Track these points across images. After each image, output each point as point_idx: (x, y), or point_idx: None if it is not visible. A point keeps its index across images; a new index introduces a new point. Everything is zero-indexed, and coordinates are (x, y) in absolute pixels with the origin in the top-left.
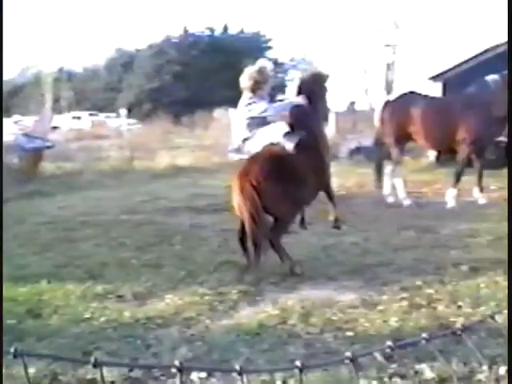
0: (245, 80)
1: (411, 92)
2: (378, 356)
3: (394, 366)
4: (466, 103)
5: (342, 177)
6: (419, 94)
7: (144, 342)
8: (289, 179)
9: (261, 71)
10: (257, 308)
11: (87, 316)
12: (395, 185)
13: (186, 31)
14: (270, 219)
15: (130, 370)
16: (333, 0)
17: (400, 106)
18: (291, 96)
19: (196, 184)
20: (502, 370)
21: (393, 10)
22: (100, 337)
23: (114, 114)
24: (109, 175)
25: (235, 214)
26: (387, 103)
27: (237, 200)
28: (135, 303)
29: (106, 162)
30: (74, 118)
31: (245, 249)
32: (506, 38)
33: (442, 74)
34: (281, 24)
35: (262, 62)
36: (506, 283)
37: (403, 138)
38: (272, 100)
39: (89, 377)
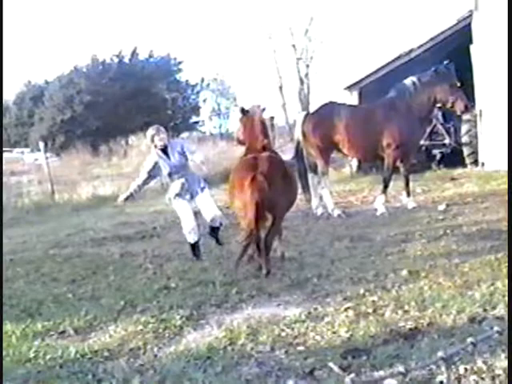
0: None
1: (331, 102)
2: (335, 367)
3: (352, 375)
4: (388, 108)
5: None
6: (339, 104)
7: (95, 377)
8: (287, 181)
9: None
10: (203, 331)
11: (31, 355)
12: (323, 196)
13: (94, 59)
14: None
15: None
16: (243, 17)
17: (322, 117)
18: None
19: (121, 213)
20: (462, 368)
21: (304, 23)
22: (49, 375)
23: (27, 149)
24: (31, 211)
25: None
26: (308, 115)
27: (245, 192)
28: (78, 338)
29: (27, 198)
30: None
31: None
32: (422, 43)
33: (356, 83)
34: (190, 45)
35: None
36: (449, 284)
37: (328, 148)
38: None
39: None
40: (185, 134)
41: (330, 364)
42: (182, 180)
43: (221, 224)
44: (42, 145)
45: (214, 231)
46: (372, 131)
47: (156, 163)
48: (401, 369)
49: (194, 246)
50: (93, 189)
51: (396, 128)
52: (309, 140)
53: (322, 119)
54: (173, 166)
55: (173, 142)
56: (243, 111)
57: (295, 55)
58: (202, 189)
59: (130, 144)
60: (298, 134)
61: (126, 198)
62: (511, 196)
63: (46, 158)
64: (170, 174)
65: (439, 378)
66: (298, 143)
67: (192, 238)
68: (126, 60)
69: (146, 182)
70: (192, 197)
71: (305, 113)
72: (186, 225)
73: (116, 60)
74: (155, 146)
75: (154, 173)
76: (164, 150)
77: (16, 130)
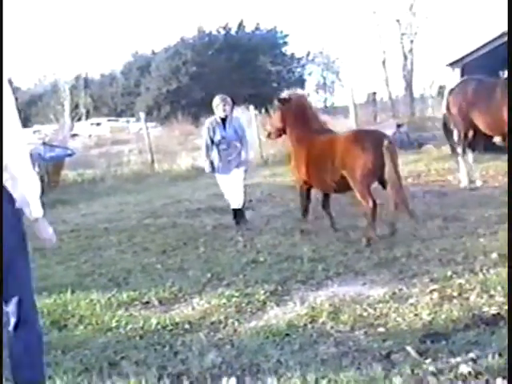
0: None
1: (470, 78)
2: (412, 351)
3: (428, 361)
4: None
5: None
6: (478, 79)
7: (172, 349)
8: None
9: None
10: (285, 308)
11: (113, 325)
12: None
13: (200, 31)
14: None
15: (159, 379)
16: None
17: (459, 93)
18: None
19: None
20: None
21: None
22: (127, 345)
23: (133, 119)
24: (130, 180)
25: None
26: (451, 90)
27: (375, 156)
28: (161, 309)
29: (126, 167)
30: (92, 124)
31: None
32: None
33: (459, 60)
34: (297, 18)
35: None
36: None
37: (466, 124)
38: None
39: None
40: None
41: (408, 348)
42: (227, 152)
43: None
44: (142, 115)
45: (236, 211)
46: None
47: (213, 129)
48: (472, 355)
49: (236, 213)
50: (192, 160)
51: None
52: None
53: (459, 94)
54: (225, 136)
55: (234, 116)
56: (283, 100)
57: (399, 30)
58: (239, 165)
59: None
60: (443, 109)
61: (212, 169)
62: (511, 195)
63: (147, 128)
64: (218, 143)
65: None
66: (444, 117)
67: (233, 205)
68: (233, 32)
69: (211, 149)
70: (229, 170)
71: (450, 88)
72: (227, 195)
73: (222, 32)
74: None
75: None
76: (223, 120)
77: (122, 100)
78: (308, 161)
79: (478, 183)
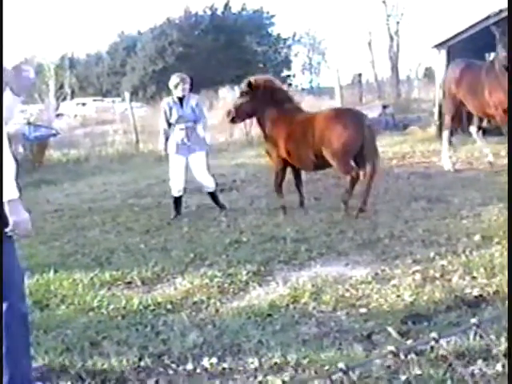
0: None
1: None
2: (393, 332)
3: (409, 342)
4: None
5: None
6: (467, 61)
7: (153, 329)
8: None
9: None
10: (268, 288)
11: (95, 305)
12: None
13: (187, 12)
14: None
15: (140, 359)
16: None
17: (450, 73)
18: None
19: None
20: None
21: None
22: (109, 325)
23: (119, 99)
24: (115, 160)
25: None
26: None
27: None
28: (144, 289)
29: (111, 147)
30: (78, 104)
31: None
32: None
33: (445, 41)
34: None
35: None
36: None
37: (455, 104)
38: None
39: (98, 367)
40: None
41: (389, 329)
42: (184, 132)
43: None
44: (127, 95)
45: (211, 195)
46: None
47: (170, 109)
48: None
49: (177, 201)
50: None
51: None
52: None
53: (450, 75)
54: (182, 115)
55: (191, 94)
56: (252, 84)
57: (385, 11)
58: (199, 148)
59: (219, 96)
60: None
61: (165, 149)
62: (511, 194)
63: (132, 108)
64: (176, 122)
65: (495, 350)
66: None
67: (175, 192)
68: (219, 12)
69: (167, 130)
70: (188, 152)
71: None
72: (173, 179)
73: (209, 12)
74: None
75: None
76: (180, 99)
77: (108, 79)
78: (287, 139)
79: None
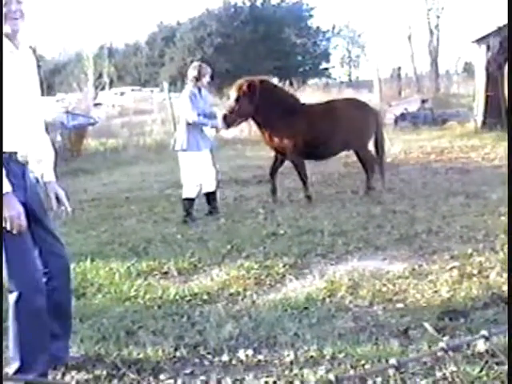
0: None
1: None
2: (430, 328)
3: (445, 338)
4: None
5: (388, 144)
6: None
7: (189, 320)
8: None
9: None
10: (304, 281)
11: (132, 294)
12: None
13: (226, 2)
14: None
15: (175, 349)
16: None
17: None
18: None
19: (240, 156)
20: None
21: None
22: (145, 315)
23: (157, 89)
24: (152, 150)
25: None
26: None
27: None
28: (180, 279)
29: (149, 137)
30: (116, 94)
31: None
32: None
33: (485, 37)
34: None
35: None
36: None
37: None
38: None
39: (133, 357)
40: (313, 80)
41: (426, 324)
42: (201, 128)
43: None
44: (166, 85)
45: (208, 196)
46: None
47: (197, 100)
48: (485, 332)
49: (192, 202)
50: (215, 130)
51: None
52: None
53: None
54: (204, 108)
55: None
56: (251, 85)
57: (426, 5)
58: (209, 144)
59: None
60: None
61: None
62: (511, 194)
63: (170, 98)
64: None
65: None
66: None
67: (193, 193)
68: (258, 4)
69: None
70: (201, 149)
71: None
72: (192, 178)
73: (248, 4)
74: (196, 82)
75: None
76: (199, 91)
77: (147, 70)
78: (309, 131)
79: None
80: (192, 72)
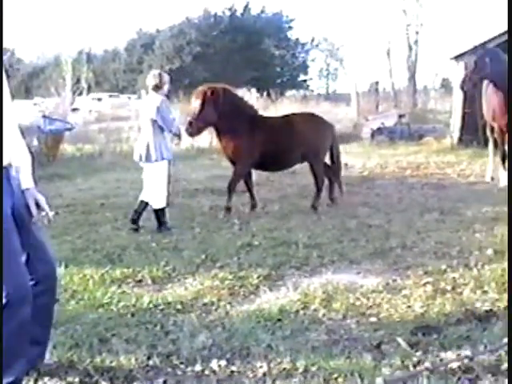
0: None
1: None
2: (403, 343)
3: (418, 353)
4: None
5: (364, 157)
6: None
7: (163, 329)
8: None
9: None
10: (278, 293)
11: (105, 301)
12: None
13: (206, 12)
14: None
15: (148, 358)
16: None
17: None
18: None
19: (216, 165)
20: None
21: None
22: (118, 323)
23: (134, 96)
24: (129, 157)
25: None
26: None
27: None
28: (154, 288)
29: (126, 144)
30: (94, 99)
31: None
32: None
33: (463, 54)
34: (303, 3)
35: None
36: None
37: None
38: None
39: (106, 364)
40: (291, 92)
41: (399, 339)
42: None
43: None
44: (144, 92)
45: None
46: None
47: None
48: (468, 353)
49: (164, 211)
50: (191, 139)
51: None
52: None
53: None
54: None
55: None
56: (214, 92)
57: (405, 21)
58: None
59: None
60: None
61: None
62: (511, 194)
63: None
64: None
65: (506, 365)
66: None
67: (165, 201)
68: (238, 14)
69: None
70: (167, 158)
71: None
72: (164, 188)
73: (228, 13)
74: (157, 90)
75: None
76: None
77: (125, 76)
78: (265, 142)
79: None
80: (153, 80)
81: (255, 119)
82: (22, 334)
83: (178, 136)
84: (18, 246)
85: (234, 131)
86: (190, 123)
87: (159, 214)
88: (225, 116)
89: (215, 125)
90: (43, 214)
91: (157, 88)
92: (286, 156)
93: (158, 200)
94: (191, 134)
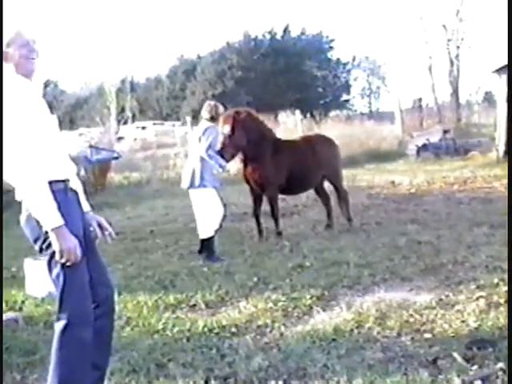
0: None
1: None
2: (458, 358)
3: (474, 367)
4: None
5: (411, 174)
6: None
7: (218, 352)
8: None
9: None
10: (331, 312)
11: (160, 327)
12: None
13: (246, 36)
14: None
15: (206, 382)
16: None
17: None
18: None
19: None
20: None
21: (455, 4)
22: (174, 348)
23: (178, 122)
24: (176, 183)
25: None
26: None
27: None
28: (208, 312)
29: (172, 171)
30: (138, 127)
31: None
32: None
33: (505, 67)
34: (343, 23)
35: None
36: None
37: None
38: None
39: None
40: (335, 112)
41: (454, 354)
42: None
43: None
44: (188, 119)
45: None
46: None
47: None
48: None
49: (213, 240)
50: (240, 163)
51: None
52: None
53: None
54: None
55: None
56: (237, 113)
57: (446, 36)
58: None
59: (278, 120)
60: None
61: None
62: (511, 195)
63: (193, 131)
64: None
65: None
66: None
67: (213, 230)
68: (278, 37)
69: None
70: (216, 185)
71: None
72: (209, 217)
73: (268, 36)
74: (212, 121)
75: None
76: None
77: (168, 103)
78: (291, 166)
79: None
80: (208, 112)
81: (277, 143)
82: (82, 359)
83: (222, 167)
84: (86, 273)
85: (261, 156)
86: (221, 150)
87: (206, 243)
88: (252, 141)
89: (243, 150)
90: (106, 233)
91: (212, 120)
92: (310, 177)
93: (204, 229)
94: (226, 161)
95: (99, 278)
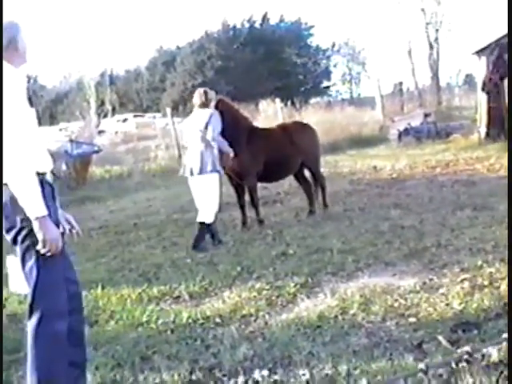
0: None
1: None
2: (443, 341)
3: (460, 350)
4: None
5: (393, 159)
6: None
7: (203, 343)
8: None
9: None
10: (316, 299)
11: (144, 320)
12: None
13: (225, 25)
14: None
15: (191, 373)
16: None
17: None
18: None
19: None
20: None
21: None
22: (158, 340)
23: (159, 114)
24: (158, 175)
25: None
26: None
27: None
28: (192, 303)
29: (154, 163)
30: (119, 120)
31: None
32: None
33: (484, 48)
34: (321, 10)
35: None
36: None
37: None
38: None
39: (149, 382)
40: (315, 99)
41: (439, 337)
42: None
43: None
44: (168, 110)
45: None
46: None
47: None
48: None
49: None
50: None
51: None
52: None
53: None
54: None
55: None
56: (220, 101)
57: (424, 20)
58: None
59: (259, 109)
60: None
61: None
62: (511, 193)
63: (173, 123)
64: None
65: None
66: None
67: (212, 218)
68: (257, 25)
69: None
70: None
71: None
72: (215, 203)
73: (247, 25)
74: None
75: None
76: None
77: (148, 95)
78: (268, 153)
79: None
80: (199, 99)
81: (253, 131)
82: (57, 353)
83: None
84: (63, 260)
85: (236, 144)
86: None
87: (204, 229)
88: (227, 129)
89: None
90: (74, 231)
91: (204, 105)
92: (288, 164)
93: (207, 214)
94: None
95: (66, 274)
